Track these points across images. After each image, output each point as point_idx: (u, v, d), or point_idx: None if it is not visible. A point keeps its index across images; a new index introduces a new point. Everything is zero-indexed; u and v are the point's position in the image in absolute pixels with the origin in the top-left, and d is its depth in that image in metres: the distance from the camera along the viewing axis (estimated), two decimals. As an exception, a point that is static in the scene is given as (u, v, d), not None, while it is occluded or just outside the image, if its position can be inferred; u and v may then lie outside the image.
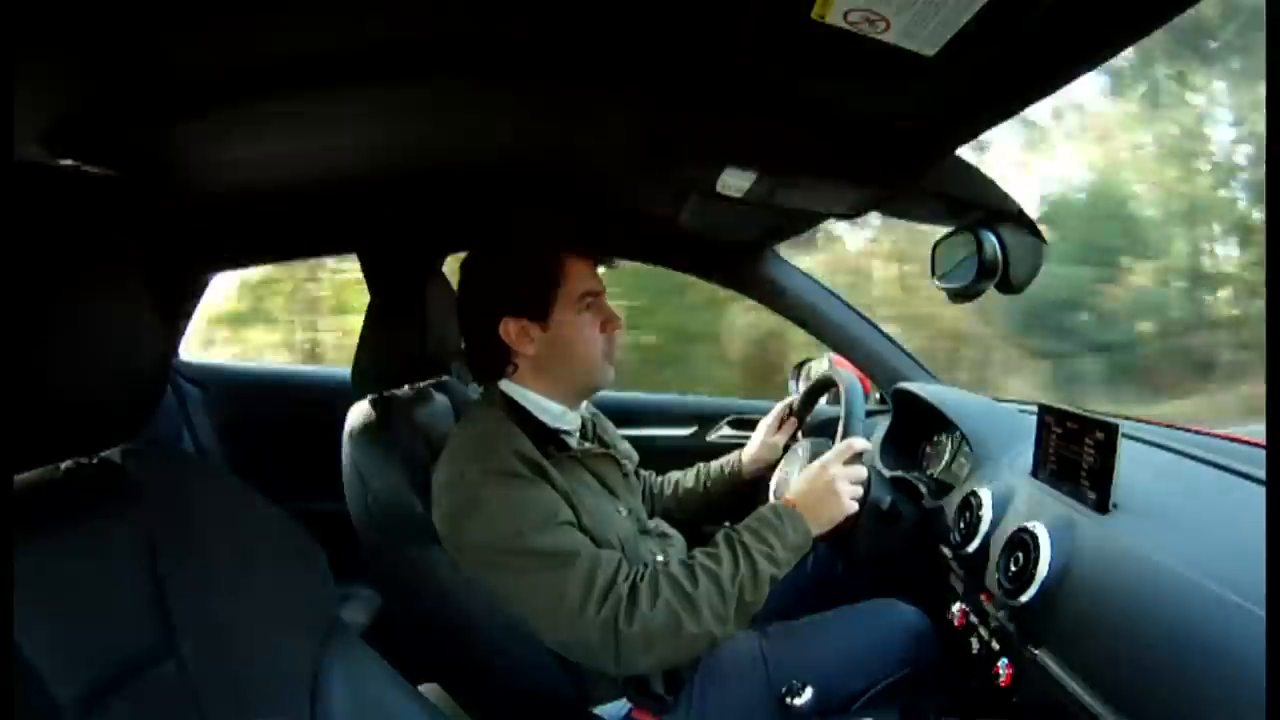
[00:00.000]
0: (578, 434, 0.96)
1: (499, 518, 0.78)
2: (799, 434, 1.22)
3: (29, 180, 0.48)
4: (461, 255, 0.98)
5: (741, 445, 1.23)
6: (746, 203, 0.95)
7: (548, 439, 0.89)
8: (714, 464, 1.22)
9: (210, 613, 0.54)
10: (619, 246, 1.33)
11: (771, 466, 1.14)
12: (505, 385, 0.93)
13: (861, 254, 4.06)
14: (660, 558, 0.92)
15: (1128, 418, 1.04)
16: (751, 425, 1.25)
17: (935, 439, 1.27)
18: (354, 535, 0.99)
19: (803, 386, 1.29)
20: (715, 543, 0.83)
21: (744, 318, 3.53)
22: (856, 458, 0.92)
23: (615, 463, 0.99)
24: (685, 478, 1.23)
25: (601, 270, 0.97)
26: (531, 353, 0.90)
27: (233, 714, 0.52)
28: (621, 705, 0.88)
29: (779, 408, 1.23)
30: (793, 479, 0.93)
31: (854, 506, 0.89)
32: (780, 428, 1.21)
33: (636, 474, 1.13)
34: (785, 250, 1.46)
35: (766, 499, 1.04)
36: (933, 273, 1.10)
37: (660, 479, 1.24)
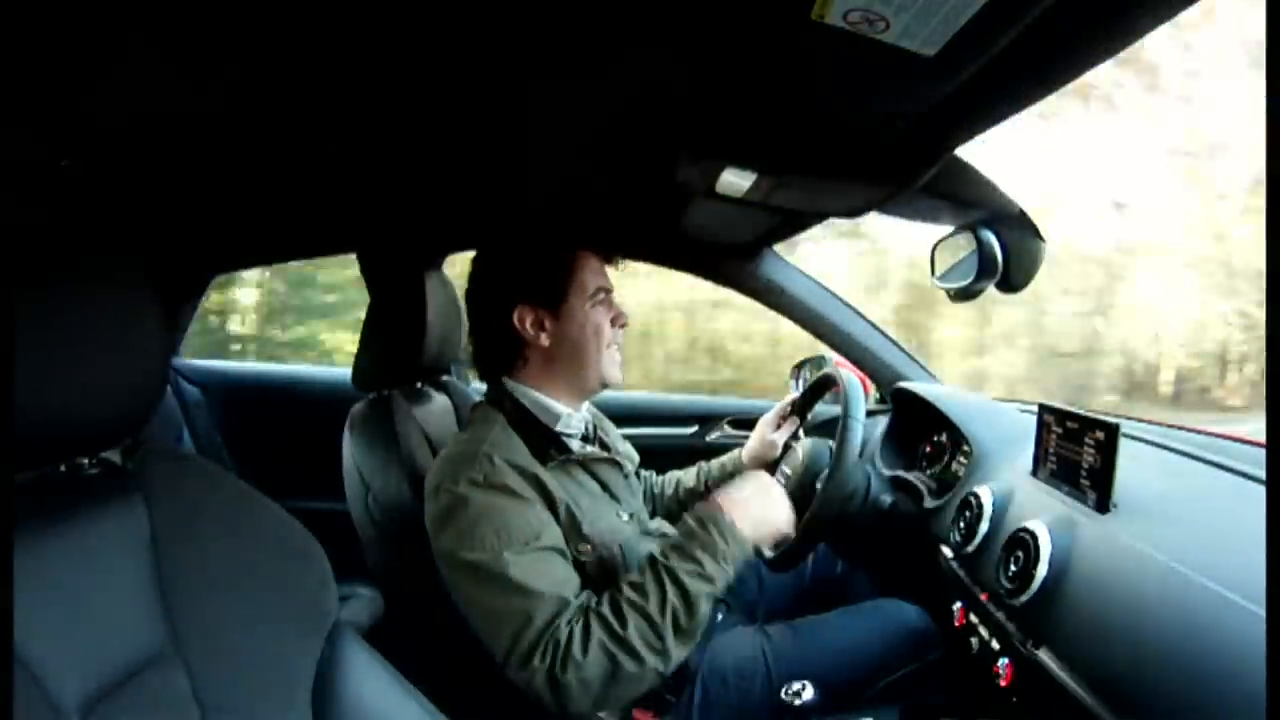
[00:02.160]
0: (579, 437, 0.96)
1: (479, 532, 0.77)
2: (799, 433, 1.22)
3: (30, 180, 0.48)
4: (461, 255, 0.98)
5: (741, 445, 1.24)
6: (746, 203, 0.95)
7: (549, 442, 0.89)
8: (714, 462, 1.22)
9: (211, 613, 0.54)
10: (620, 246, 1.34)
11: (773, 464, 1.14)
12: (510, 384, 0.93)
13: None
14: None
15: (1128, 417, 1.04)
16: (751, 425, 1.25)
17: (935, 439, 1.27)
18: (354, 535, 0.99)
19: (803, 386, 1.28)
20: (642, 569, 0.79)
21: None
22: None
23: (616, 466, 0.99)
24: (686, 477, 1.23)
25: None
26: (543, 343, 0.90)
27: (233, 714, 0.52)
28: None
29: (779, 405, 1.23)
30: (791, 480, 0.92)
31: (788, 510, 0.87)
32: (780, 425, 1.21)
33: (637, 474, 1.13)
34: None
35: None
36: (933, 272, 1.11)
37: (661, 479, 1.24)
